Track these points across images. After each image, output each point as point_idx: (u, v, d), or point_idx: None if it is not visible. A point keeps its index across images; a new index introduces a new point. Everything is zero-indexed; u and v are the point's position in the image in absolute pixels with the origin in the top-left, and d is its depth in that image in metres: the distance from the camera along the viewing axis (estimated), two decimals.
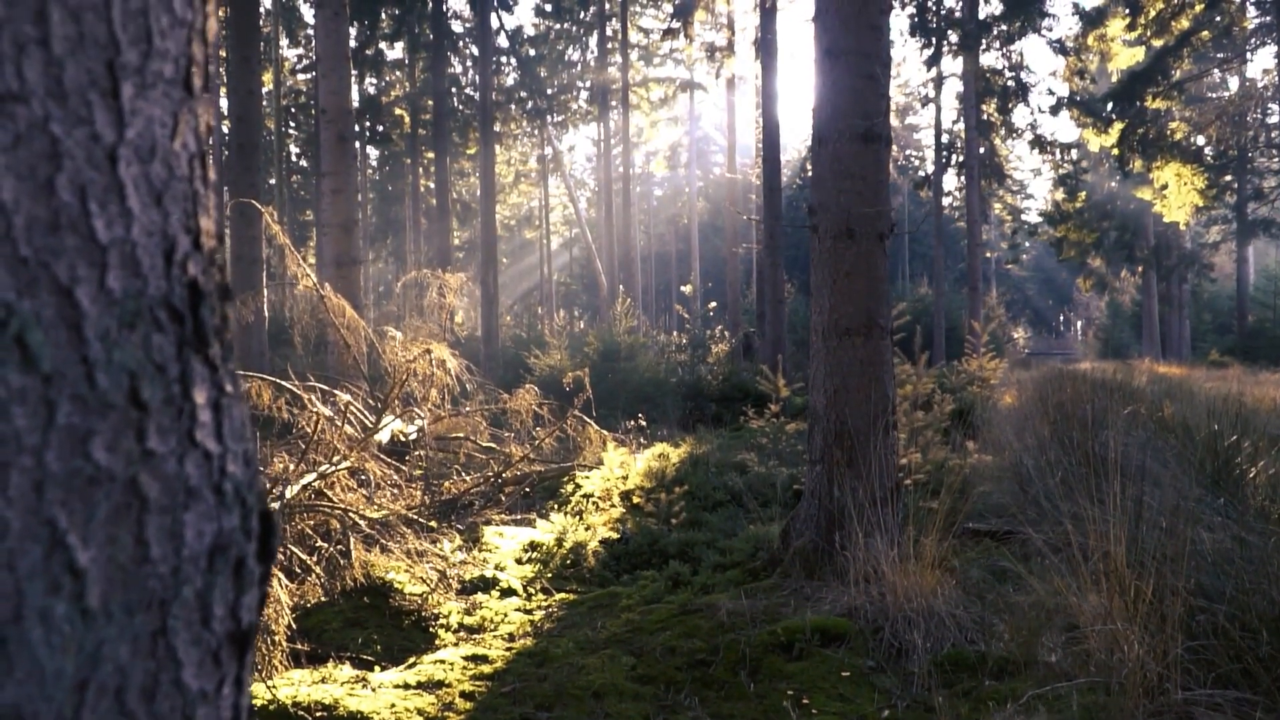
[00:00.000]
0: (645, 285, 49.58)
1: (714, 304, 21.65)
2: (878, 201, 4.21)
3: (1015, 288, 63.80)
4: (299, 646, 3.54)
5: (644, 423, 9.25)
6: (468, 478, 6.67)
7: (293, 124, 34.02)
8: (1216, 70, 27.50)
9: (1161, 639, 2.98)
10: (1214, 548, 3.51)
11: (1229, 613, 3.10)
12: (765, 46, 14.48)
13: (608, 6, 28.55)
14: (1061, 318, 73.49)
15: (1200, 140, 23.25)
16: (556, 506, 6.33)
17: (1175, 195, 19.91)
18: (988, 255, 47.09)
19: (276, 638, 3.36)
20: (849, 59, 4.20)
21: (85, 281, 0.50)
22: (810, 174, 4.37)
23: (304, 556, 4.33)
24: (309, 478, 5.03)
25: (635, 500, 6.35)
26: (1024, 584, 3.80)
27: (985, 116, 24.82)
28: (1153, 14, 19.56)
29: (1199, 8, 19.36)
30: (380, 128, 30.01)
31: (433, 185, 30.99)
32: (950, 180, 31.67)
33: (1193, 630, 3.09)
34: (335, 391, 7.15)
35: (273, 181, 28.41)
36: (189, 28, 0.56)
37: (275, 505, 4.50)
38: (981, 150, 25.03)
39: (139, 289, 0.52)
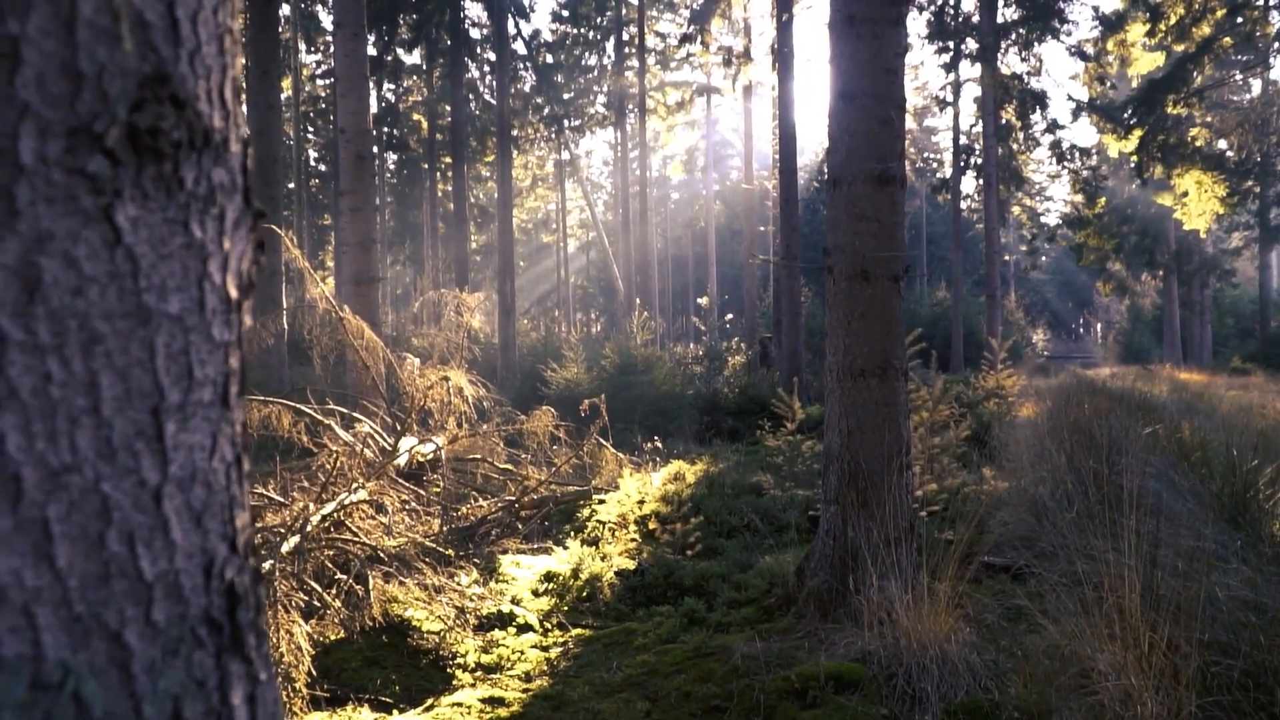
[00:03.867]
0: (662, 288, 49.63)
1: (730, 316, 21.69)
2: (893, 244, 4.23)
3: (1034, 290, 63.44)
4: (318, 692, 3.60)
5: (659, 443, 9.29)
6: (484, 503, 6.73)
7: (311, 130, 34.26)
8: (1238, 73, 27.29)
9: (1175, 695, 2.99)
10: (1229, 596, 3.50)
11: (1243, 669, 3.10)
12: (782, 59, 14.49)
13: (624, 12, 28.60)
14: (1081, 320, 73.01)
15: (1222, 144, 23.06)
16: (573, 532, 6.38)
17: (1196, 202, 19.77)
18: (1006, 259, 46.89)
19: (297, 684, 3.41)
20: (864, 101, 4.22)
21: (133, 621, 0.53)
22: (826, 205, 4.41)
23: (323, 593, 4.39)
24: (328, 508, 5.09)
25: (651, 527, 6.39)
26: (1039, 625, 3.80)
27: (1004, 121, 24.72)
28: (1173, 20, 19.42)
29: (1220, 13, 19.21)
30: (398, 134, 30.16)
31: (450, 190, 31.15)
32: (968, 183, 31.55)
33: (1207, 686, 3.09)
34: (355, 414, 7.23)
35: (292, 186, 28.62)
36: (226, 346, 0.60)
37: (295, 539, 4.56)
38: (1000, 152, 24.92)
39: (181, 613, 0.56)
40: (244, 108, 0.62)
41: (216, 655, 0.58)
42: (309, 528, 4.68)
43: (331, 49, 24.43)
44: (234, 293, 0.61)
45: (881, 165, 4.20)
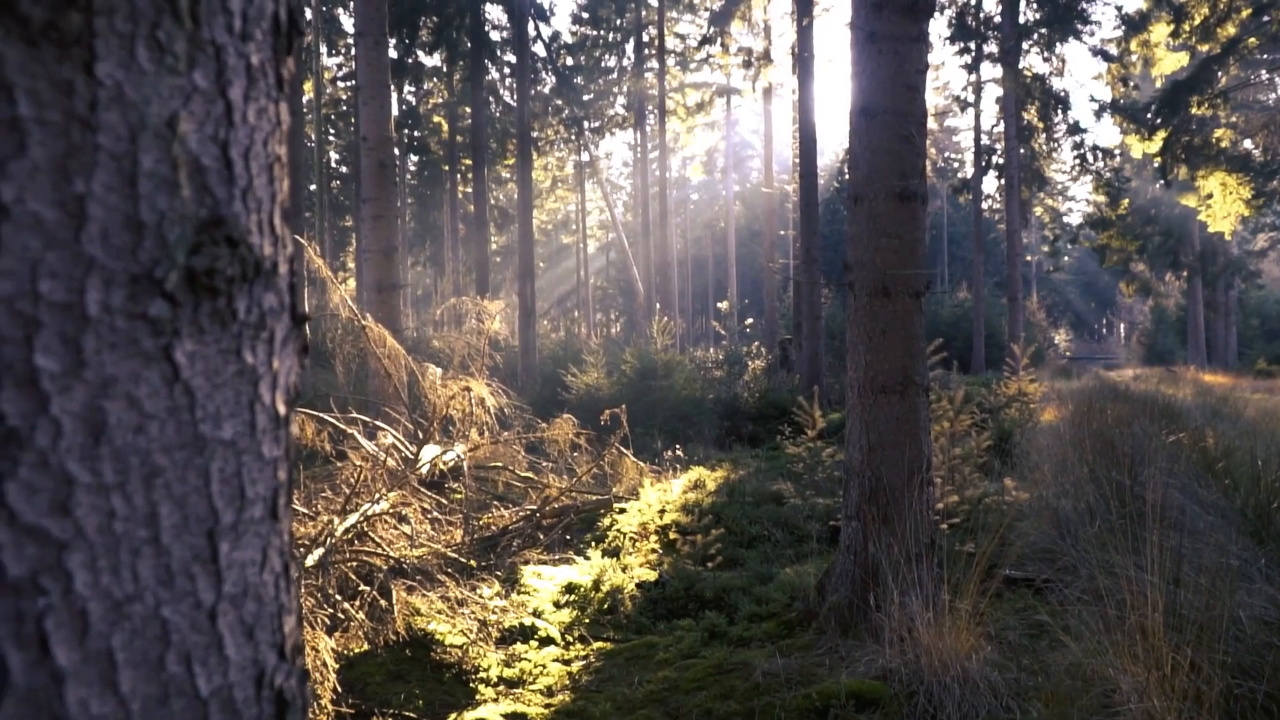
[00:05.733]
0: (682, 289, 49.59)
1: (750, 321, 21.69)
2: (914, 260, 4.23)
3: (1056, 291, 63.00)
4: (343, 708, 3.64)
5: (680, 448, 9.31)
6: (506, 513, 6.77)
7: (333, 132, 34.47)
8: (1264, 73, 26.99)
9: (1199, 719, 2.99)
10: (1252, 617, 3.48)
11: (1267, 692, 3.09)
12: (802, 63, 14.47)
13: (644, 14, 28.62)
14: (1104, 321, 72.39)
15: (1248, 145, 22.80)
16: (594, 543, 6.40)
17: (1220, 204, 19.58)
18: (1029, 259, 46.58)
19: (323, 701, 3.45)
20: (885, 119, 4.22)
21: None
22: (847, 220, 4.41)
23: (347, 605, 4.43)
24: (351, 519, 5.15)
25: (671, 537, 6.41)
26: (1061, 643, 3.79)
27: (1026, 122, 24.55)
28: (1197, 20, 19.23)
29: (1246, 13, 19.01)
30: (419, 136, 30.31)
31: (471, 192, 31.27)
32: (990, 184, 31.38)
33: (1229, 710, 3.08)
34: (377, 422, 7.28)
35: (313, 188, 28.81)
36: (275, 462, 0.63)
37: (319, 552, 4.61)
38: (1022, 153, 24.75)
39: None
40: (290, 233, 0.64)
41: None
42: (333, 540, 4.73)
43: (353, 51, 24.57)
44: (282, 409, 0.64)
45: (903, 182, 4.21)
